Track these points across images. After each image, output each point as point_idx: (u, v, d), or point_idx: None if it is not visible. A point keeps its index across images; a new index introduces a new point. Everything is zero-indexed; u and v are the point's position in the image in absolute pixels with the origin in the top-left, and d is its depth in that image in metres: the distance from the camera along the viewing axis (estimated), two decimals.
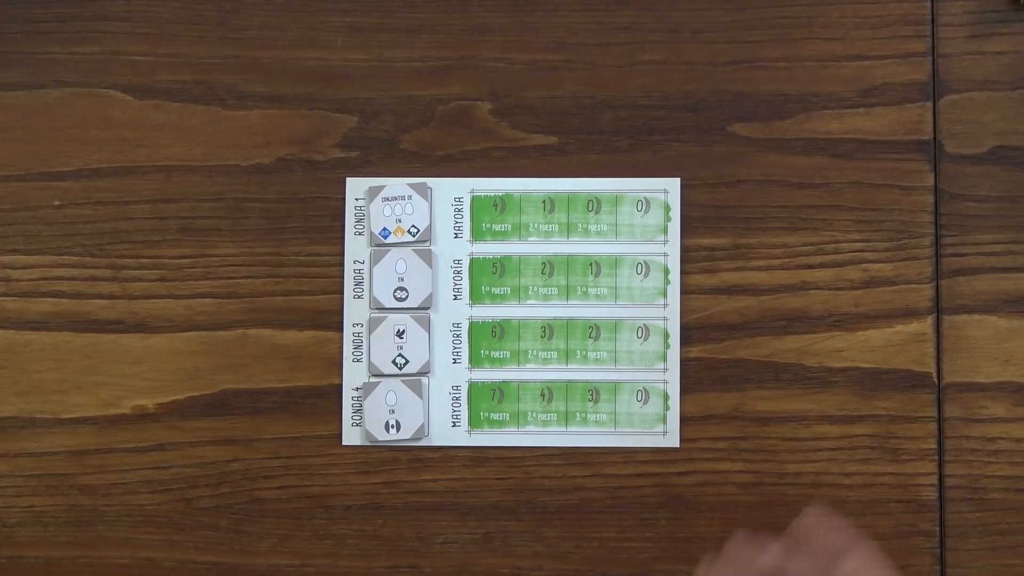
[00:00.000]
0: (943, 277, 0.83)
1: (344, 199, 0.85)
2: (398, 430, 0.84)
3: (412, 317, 0.84)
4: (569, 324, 0.84)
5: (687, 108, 0.85)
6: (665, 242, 0.84)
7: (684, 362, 0.84)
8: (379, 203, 0.84)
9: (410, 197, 0.84)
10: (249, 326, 0.85)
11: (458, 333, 0.84)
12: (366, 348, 0.84)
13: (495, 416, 0.84)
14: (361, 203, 0.85)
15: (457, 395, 0.84)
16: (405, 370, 0.84)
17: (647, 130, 0.85)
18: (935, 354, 0.83)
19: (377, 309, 0.84)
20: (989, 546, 0.82)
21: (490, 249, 0.85)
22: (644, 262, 0.84)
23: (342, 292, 0.85)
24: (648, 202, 0.84)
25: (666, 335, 0.84)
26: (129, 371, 0.85)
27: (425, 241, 0.84)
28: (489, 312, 0.84)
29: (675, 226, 0.84)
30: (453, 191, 0.85)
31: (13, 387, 0.85)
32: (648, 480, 0.83)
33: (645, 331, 0.84)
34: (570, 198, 0.85)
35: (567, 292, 0.84)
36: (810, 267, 0.83)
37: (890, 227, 0.83)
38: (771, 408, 0.83)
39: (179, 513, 0.85)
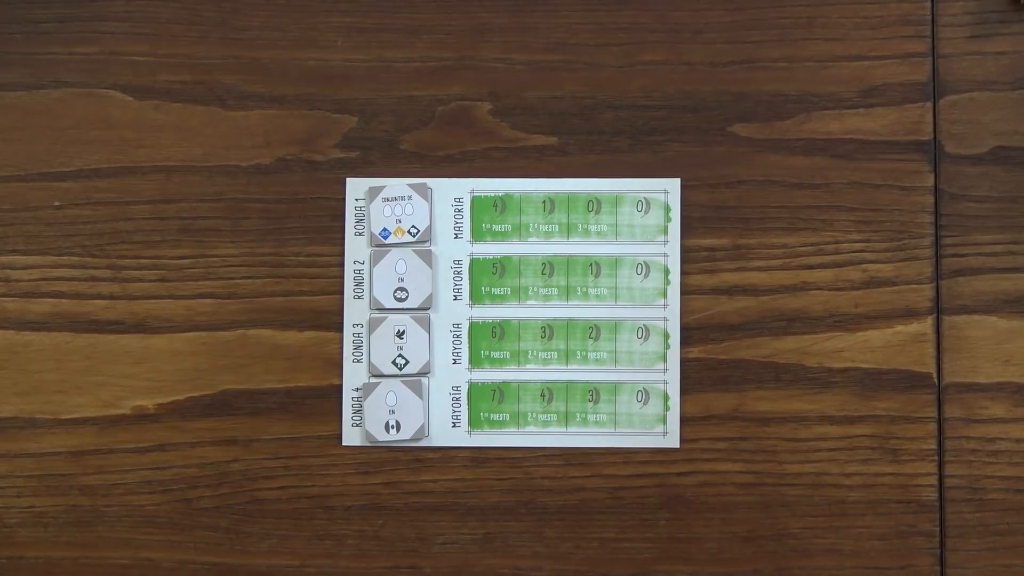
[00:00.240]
0: (943, 277, 0.83)
1: (344, 199, 0.85)
2: (398, 430, 0.84)
3: (412, 317, 0.84)
4: (569, 324, 0.84)
5: (687, 108, 0.85)
6: (665, 242, 0.84)
7: (684, 362, 0.84)
8: (379, 203, 0.84)
9: (410, 197, 0.84)
10: (249, 326, 0.85)
11: (458, 333, 0.84)
12: (366, 348, 0.84)
13: (495, 417, 0.84)
14: (361, 203, 0.85)
15: (457, 395, 0.84)
16: (405, 370, 0.84)
17: (647, 130, 0.85)
18: (935, 354, 0.83)
19: (377, 309, 0.84)
20: (989, 546, 0.82)
21: (490, 249, 0.85)
22: (644, 262, 0.84)
23: (342, 292, 0.85)
24: (648, 202, 0.84)
25: (666, 335, 0.84)
26: (129, 371, 0.85)
27: (425, 241, 0.84)
28: (489, 312, 0.84)
29: (675, 226, 0.84)
30: (453, 191, 0.85)
31: (13, 387, 0.85)
32: (648, 480, 0.83)
33: (645, 331, 0.84)
34: (570, 198, 0.85)
35: (567, 292, 0.84)
36: (810, 267, 0.83)
37: (890, 227, 0.83)
38: (771, 408, 0.83)
39: (179, 513, 0.85)
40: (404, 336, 0.84)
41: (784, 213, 0.84)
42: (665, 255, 0.84)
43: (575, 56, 0.85)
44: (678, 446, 0.83)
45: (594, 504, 0.84)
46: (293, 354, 0.85)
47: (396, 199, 0.84)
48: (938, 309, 0.83)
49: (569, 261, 0.84)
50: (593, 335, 0.84)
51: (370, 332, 0.84)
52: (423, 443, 0.84)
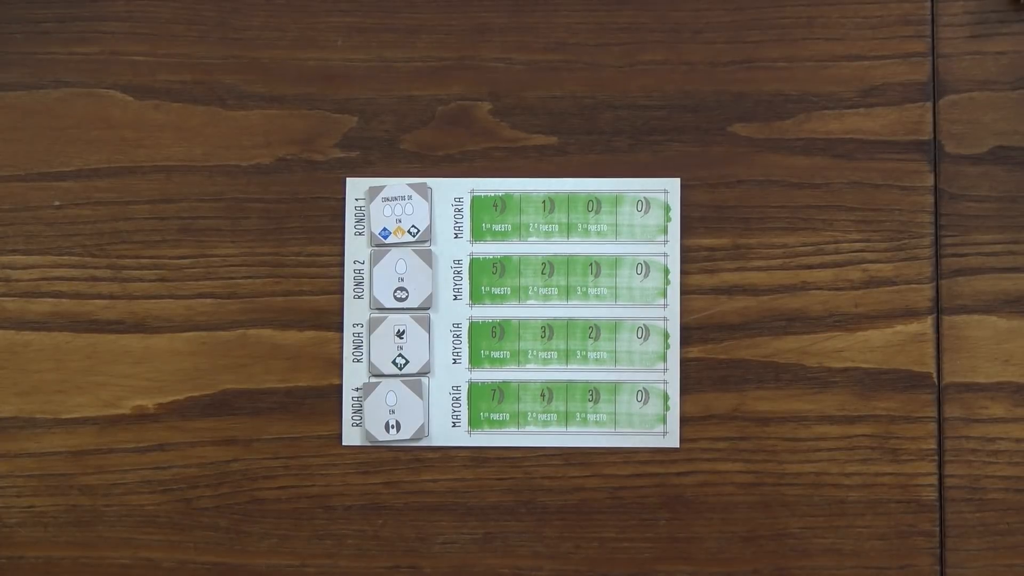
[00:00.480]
0: (943, 277, 0.83)
1: (344, 199, 0.85)
2: (398, 430, 0.84)
3: (412, 317, 0.84)
4: (569, 324, 0.84)
5: (687, 108, 0.85)
6: (665, 242, 0.84)
7: (684, 362, 0.84)
8: (379, 203, 0.85)
9: (410, 197, 0.84)
10: (249, 326, 0.85)
11: (458, 333, 0.84)
12: (366, 348, 0.84)
13: (495, 416, 0.84)
14: (361, 203, 0.85)
15: (457, 395, 0.84)
16: (405, 370, 0.84)
17: (647, 130, 0.85)
18: (935, 354, 0.83)
19: (377, 309, 0.84)
20: (989, 546, 0.82)
21: (490, 249, 0.85)
22: (644, 262, 0.84)
23: (342, 292, 0.85)
24: (648, 202, 0.84)
25: (666, 335, 0.84)
26: (129, 371, 0.85)
27: (425, 241, 0.84)
28: (489, 312, 0.84)
29: (675, 226, 0.84)
30: (453, 191, 0.85)
31: (13, 387, 0.85)
32: (648, 480, 0.83)
33: (645, 331, 0.84)
34: (570, 198, 0.85)
35: (567, 292, 0.84)
36: (810, 267, 0.83)
37: (890, 227, 0.83)
38: (771, 408, 0.83)
39: (179, 513, 0.85)
40: (404, 336, 0.84)
41: (784, 213, 0.84)
42: (665, 255, 0.84)
43: (575, 56, 0.85)
44: (678, 446, 0.83)
45: (594, 504, 0.84)
46: (293, 354, 0.85)
47: (396, 199, 0.85)
48: (938, 309, 0.83)
49: (569, 261, 0.84)
50: (593, 335, 0.84)
51: (370, 332, 0.84)
52: (423, 443, 0.84)
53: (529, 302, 0.84)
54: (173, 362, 0.85)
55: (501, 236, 0.85)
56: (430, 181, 0.85)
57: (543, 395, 0.84)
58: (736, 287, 0.84)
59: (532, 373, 0.84)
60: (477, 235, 0.85)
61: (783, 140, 0.84)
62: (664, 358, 0.83)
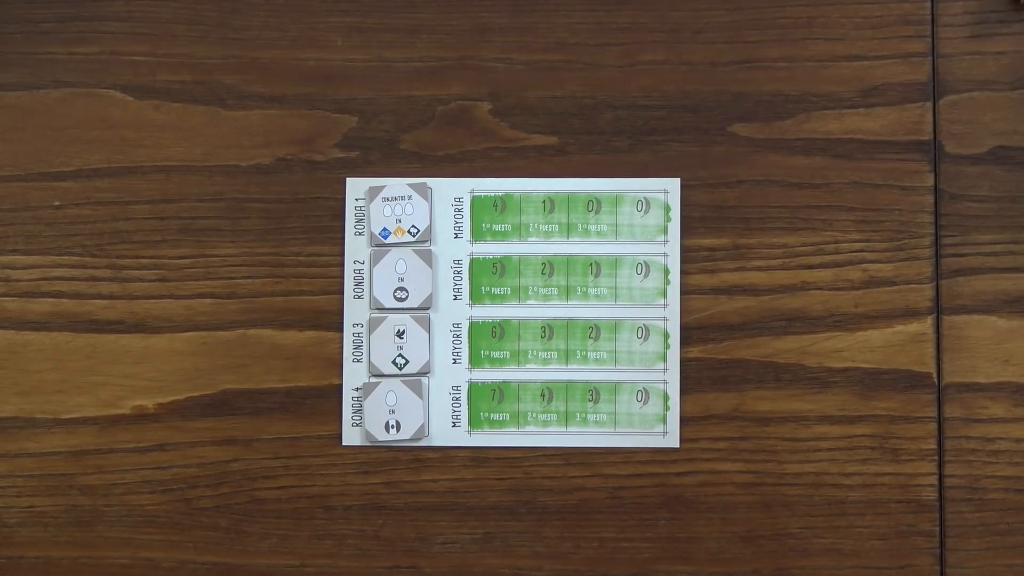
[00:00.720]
0: (943, 277, 0.83)
1: (344, 199, 0.85)
2: (398, 430, 0.84)
3: (412, 317, 0.84)
4: (569, 324, 0.84)
5: (687, 108, 0.85)
6: (665, 242, 0.84)
7: (684, 362, 0.84)
8: (379, 203, 0.85)
9: (410, 197, 0.84)
10: (249, 326, 0.85)
11: (458, 333, 0.84)
12: (366, 348, 0.84)
13: (495, 416, 0.84)
14: (361, 203, 0.85)
15: (457, 395, 0.84)
16: (405, 370, 0.84)
17: (647, 130, 0.85)
18: (935, 354, 0.83)
19: (377, 309, 0.84)
20: (989, 546, 0.82)
21: (490, 249, 0.85)
22: (644, 262, 0.84)
23: (342, 292, 0.85)
24: (648, 202, 0.84)
25: (666, 335, 0.84)
26: (129, 371, 0.85)
27: (425, 241, 0.84)
28: (489, 312, 0.84)
29: (675, 226, 0.84)
30: (453, 191, 0.85)
31: (13, 387, 0.85)
32: (648, 480, 0.83)
33: (645, 331, 0.84)
34: (570, 198, 0.85)
35: (567, 292, 0.84)
36: (810, 267, 0.83)
37: (890, 227, 0.83)
38: (771, 408, 0.83)
39: (179, 513, 0.85)
40: (404, 336, 0.84)
41: (784, 213, 0.84)
42: (665, 255, 0.84)
43: (575, 56, 0.85)
44: (678, 446, 0.83)
45: (594, 504, 0.84)
46: (293, 354, 0.85)
47: (396, 199, 0.85)
48: (938, 309, 0.83)
49: (569, 261, 0.84)
50: (593, 335, 0.84)
51: (370, 332, 0.84)
52: (423, 443, 0.84)
53: (529, 302, 0.84)
54: (173, 362, 0.85)
55: (501, 236, 0.85)
56: (430, 181, 0.85)
57: (543, 395, 0.84)
58: (736, 287, 0.84)
59: (532, 373, 0.84)
60: (477, 235, 0.85)
61: (783, 140, 0.84)
62: (664, 358, 0.83)
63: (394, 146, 0.85)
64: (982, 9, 0.84)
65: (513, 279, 0.84)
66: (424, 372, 0.84)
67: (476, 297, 0.84)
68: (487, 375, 0.84)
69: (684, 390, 0.83)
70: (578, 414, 0.84)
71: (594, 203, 0.84)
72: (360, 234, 0.85)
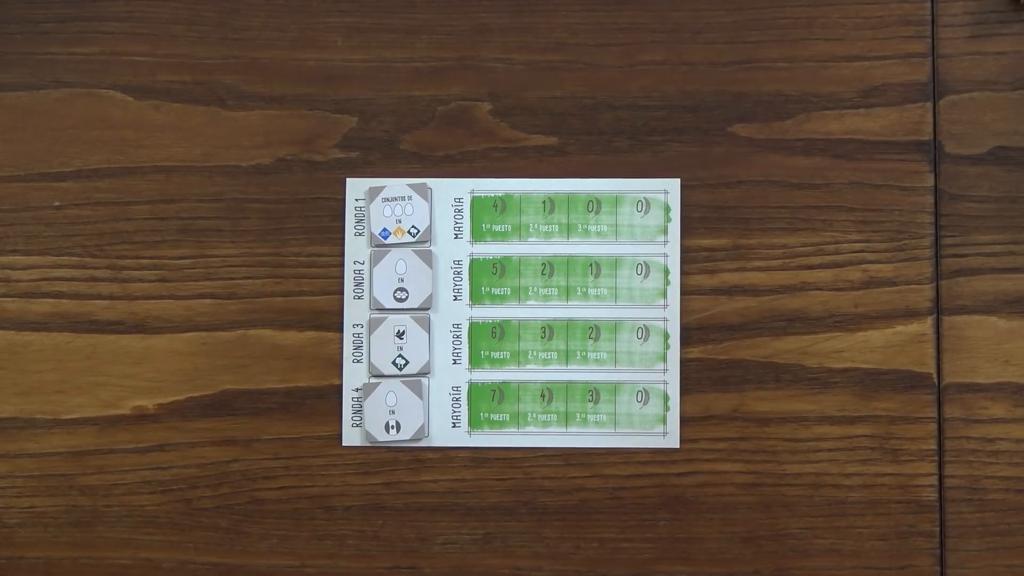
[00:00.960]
0: (943, 277, 0.83)
1: (344, 199, 0.85)
2: (398, 431, 0.84)
3: (412, 318, 0.84)
4: (569, 325, 0.84)
5: (687, 108, 0.85)
6: (665, 243, 0.84)
7: (684, 363, 0.84)
8: (379, 203, 0.84)
9: (410, 198, 0.84)
10: (249, 326, 0.85)
11: (458, 334, 0.84)
12: (366, 349, 0.84)
13: (495, 417, 0.84)
14: (361, 203, 0.85)
15: (457, 396, 0.84)
16: (405, 371, 0.84)
17: (647, 130, 0.85)
18: (935, 355, 0.83)
19: (377, 310, 0.84)
20: (989, 546, 0.82)
21: (490, 250, 0.85)
22: (644, 263, 0.84)
23: (342, 293, 0.85)
24: (648, 203, 0.84)
25: (666, 336, 0.84)
26: (129, 372, 0.85)
27: (425, 242, 0.84)
28: (489, 313, 0.84)
29: (675, 227, 0.84)
30: (453, 191, 0.85)
31: (13, 387, 0.85)
32: (648, 481, 0.83)
33: (645, 332, 0.84)
34: (570, 199, 0.84)
35: (567, 293, 0.84)
36: (810, 267, 0.83)
37: (890, 227, 0.83)
38: (771, 409, 0.83)
39: (179, 513, 0.85)
40: (404, 336, 0.84)
41: (784, 213, 0.84)
42: (665, 255, 0.84)
43: (575, 56, 0.85)
44: (678, 446, 0.83)
45: (594, 504, 0.84)
46: (293, 354, 0.85)
47: (396, 199, 0.84)
48: (938, 309, 0.83)
49: (569, 261, 0.84)
50: (593, 335, 0.84)
51: (370, 332, 0.84)
52: (423, 443, 0.84)
53: (529, 302, 0.84)
54: (173, 362, 0.85)
55: (501, 236, 0.85)
56: (430, 181, 0.85)
57: (543, 395, 0.84)
58: (736, 287, 0.84)
59: (532, 373, 0.84)
60: (477, 235, 0.85)
61: (783, 140, 0.84)
62: (664, 358, 0.84)
63: (394, 146, 0.85)
64: (982, 9, 0.84)
65: (513, 279, 0.84)
66: (424, 372, 0.84)
67: (476, 297, 0.84)
68: (487, 375, 0.84)
69: (684, 390, 0.83)
70: (578, 414, 0.84)
71: (594, 203, 0.84)
72: (360, 234, 0.85)
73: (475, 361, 0.84)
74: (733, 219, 0.84)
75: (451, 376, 0.84)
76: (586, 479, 0.84)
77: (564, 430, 0.84)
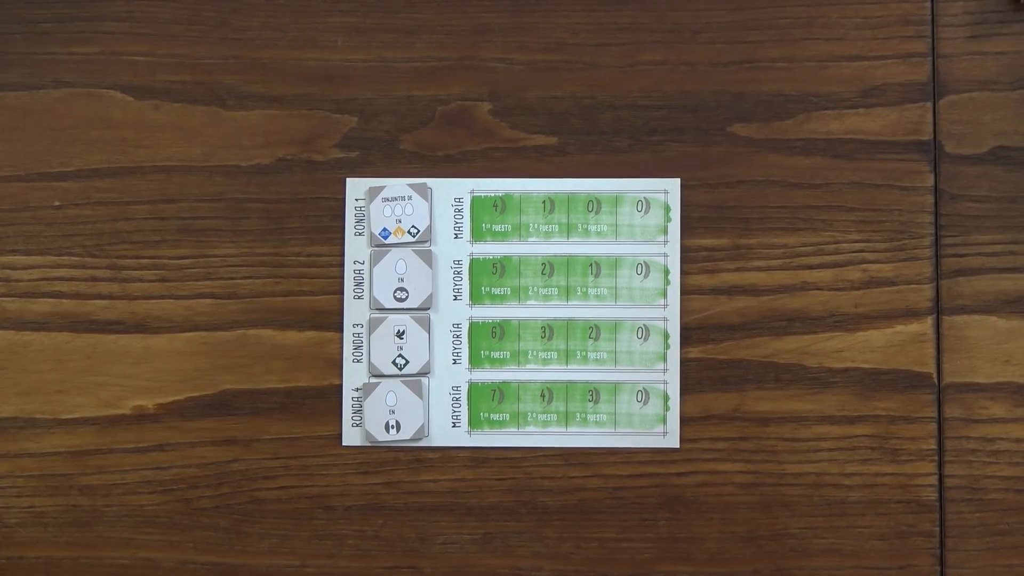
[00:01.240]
0: (943, 277, 0.83)
1: (344, 199, 0.85)
2: (398, 430, 0.84)
3: (412, 317, 0.84)
4: (569, 325, 0.84)
5: (687, 108, 0.85)
6: (665, 242, 0.84)
7: (684, 362, 0.84)
8: (379, 203, 0.84)
9: (410, 197, 0.84)
10: (249, 326, 0.85)
11: (458, 334, 0.84)
12: (366, 348, 0.84)
13: (495, 417, 0.84)
14: (361, 203, 0.85)
15: (457, 396, 0.84)
16: (405, 371, 0.84)
17: (647, 130, 0.85)
18: (935, 354, 0.83)
19: (377, 309, 0.84)
20: (989, 546, 0.82)
21: (490, 250, 0.85)
22: (644, 262, 0.84)
23: (342, 292, 0.85)
24: (648, 202, 0.84)
25: (666, 335, 0.84)
26: (129, 371, 0.85)
27: (425, 241, 0.84)
28: (489, 312, 0.84)
29: (675, 226, 0.84)
30: (453, 191, 0.85)
31: (13, 387, 0.85)
32: (648, 480, 0.83)
33: (645, 331, 0.84)
34: (570, 198, 0.85)
35: (567, 293, 0.84)
36: (810, 267, 0.83)
37: (890, 227, 0.83)
38: (771, 408, 0.83)
39: (179, 513, 0.85)
40: (404, 336, 0.84)
41: (784, 213, 0.84)
42: (665, 255, 0.84)
43: (575, 56, 0.85)
44: (678, 446, 0.83)
45: (594, 504, 0.84)
46: (293, 354, 0.85)
47: (396, 199, 0.84)
48: (938, 309, 0.83)
49: (569, 261, 0.84)
50: (593, 335, 0.84)
51: (370, 332, 0.84)
52: (423, 443, 0.84)
53: (529, 302, 0.84)
54: (173, 362, 0.85)
55: (501, 236, 0.85)
56: (430, 181, 0.85)
57: (543, 395, 0.84)
58: (736, 287, 0.84)
59: (532, 373, 0.84)
60: (477, 235, 0.85)
61: (783, 140, 0.84)
62: (664, 358, 0.83)
63: (394, 146, 0.85)
64: (982, 9, 0.84)
65: (513, 279, 0.84)
66: (424, 372, 0.84)
67: (476, 297, 0.84)
68: (487, 375, 0.84)
69: (684, 390, 0.83)
70: (578, 414, 0.84)
71: (594, 203, 0.84)
72: (360, 234, 0.85)
73: (475, 361, 0.84)
74: (733, 219, 0.84)
75: (451, 376, 0.84)
76: (586, 479, 0.84)
77: (564, 430, 0.84)
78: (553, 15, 0.85)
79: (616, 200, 0.84)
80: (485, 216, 0.85)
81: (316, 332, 0.85)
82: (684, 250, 0.84)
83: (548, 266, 0.84)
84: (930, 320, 0.83)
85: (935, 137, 0.84)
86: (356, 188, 0.85)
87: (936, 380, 0.83)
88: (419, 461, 0.84)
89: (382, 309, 0.84)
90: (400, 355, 0.84)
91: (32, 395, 0.85)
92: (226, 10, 0.86)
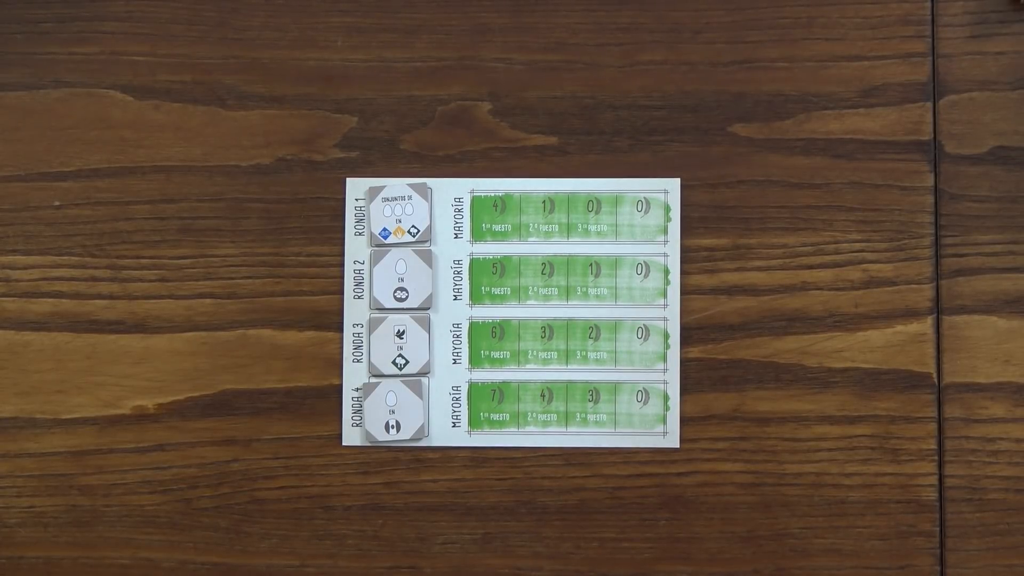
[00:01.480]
0: (943, 277, 0.83)
1: (344, 199, 0.85)
2: (398, 430, 0.84)
3: (412, 317, 0.84)
4: (569, 324, 0.84)
5: (687, 108, 0.85)
6: (665, 242, 0.84)
7: (684, 362, 0.84)
8: (379, 203, 0.85)
9: (410, 197, 0.84)
10: (249, 326, 0.85)
11: (458, 333, 0.84)
12: (366, 348, 0.84)
13: (495, 416, 0.84)
14: (361, 203, 0.85)
15: (457, 395, 0.84)
16: (405, 370, 0.84)
17: (647, 130, 0.85)
18: (935, 354, 0.83)
19: (377, 309, 0.84)
20: (989, 546, 0.82)
21: (490, 249, 0.85)
22: (644, 262, 0.84)
23: (342, 292, 0.85)
24: (648, 202, 0.84)
25: (666, 335, 0.84)
26: (129, 371, 0.85)
27: (425, 241, 0.84)
28: (489, 312, 0.84)
29: (675, 226, 0.84)
30: (453, 191, 0.85)
31: (13, 387, 0.85)
32: (648, 480, 0.83)
33: (645, 331, 0.84)
34: (570, 198, 0.85)
35: (567, 292, 0.84)
36: (810, 267, 0.83)
37: (890, 227, 0.83)
38: (771, 408, 0.83)
39: (179, 513, 0.85)
40: (404, 336, 0.84)
41: (784, 213, 0.84)
42: (665, 255, 0.84)
43: (575, 56, 0.85)
44: (678, 446, 0.83)
45: (594, 504, 0.84)
46: (293, 354, 0.85)
47: (396, 199, 0.85)
48: (938, 309, 0.83)
49: (569, 261, 0.84)
50: (593, 335, 0.84)
51: (370, 332, 0.84)
52: (423, 443, 0.84)
53: (529, 302, 0.84)
54: (173, 362, 0.85)
55: (501, 236, 0.85)
56: (430, 181, 0.85)
57: (543, 395, 0.84)
58: (736, 287, 0.84)
59: (532, 373, 0.84)
60: (477, 235, 0.85)
61: (783, 140, 0.84)
62: (664, 358, 0.83)
63: (394, 146, 0.85)
64: (982, 9, 0.84)
65: (513, 279, 0.84)
66: (424, 372, 0.84)
67: (476, 297, 0.84)
68: (487, 375, 0.84)
69: (684, 390, 0.83)
70: (578, 414, 0.84)
71: (594, 203, 0.84)
72: (360, 234, 0.85)
73: (475, 361, 0.84)
74: (733, 219, 0.84)
75: (451, 376, 0.84)
76: (586, 479, 0.84)
77: (564, 430, 0.84)
78: (553, 15, 0.85)
79: (616, 200, 0.84)
80: (485, 216, 0.85)
81: (316, 332, 0.85)
82: (684, 250, 0.84)
83: (548, 266, 0.84)
84: (930, 320, 0.83)
85: (935, 137, 0.84)
86: (356, 188, 0.85)
87: (936, 380, 0.83)
88: (419, 461, 0.84)
89: (382, 309, 0.84)
90: (400, 355, 0.84)
91: (32, 395, 0.85)
92: (226, 10, 0.86)
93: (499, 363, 0.84)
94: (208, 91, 0.86)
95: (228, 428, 0.85)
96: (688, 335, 0.84)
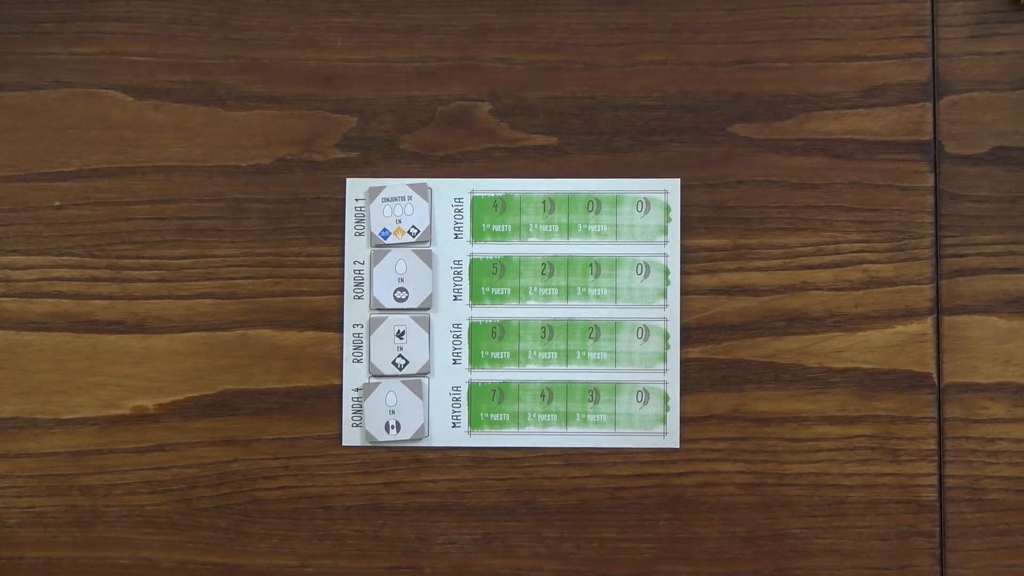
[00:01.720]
0: (943, 277, 0.83)
1: (344, 199, 0.85)
2: (398, 431, 0.84)
3: (412, 318, 0.84)
4: (569, 325, 0.84)
5: (687, 108, 0.85)
6: (665, 243, 0.84)
7: (684, 362, 0.84)
8: (379, 203, 0.85)
9: (410, 198, 0.84)
10: (249, 326, 0.85)
11: (458, 334, 0.84)
12: (366, 349, 0.84)
13: (495, 417, 0.84)
14: (361, 203, 0.85)
15: (457, 396, 0.84)
16: (405, 371, 0.84)
17: (647, 130, 0.85)
18: (935, 354, 0.83)
19: (377, 310, 0.84)
20: (989, 546, 0.82)
21: (490, 250, 0.85)
22: (644, 263, 0.84)
23: (342, 293, 0.85)
24: (648, 203, 0.84)
25: (666, 336, 0.84)
26: (129, 372, 0.85)
27: (425, 242, 0.84)
28: (489, 313, 0.84)
29: (675, 227, 0.84)
30: (453, 191, 0.85)
31: (13, 387, 0.85)
32: (648, 481, 0.83)
33: (645, 332, 0.84)
34: (570, 199, 0.85)
35: (567, 293, 0.84)
36: (810, 267, 0.83)
37: (890, 227, 0.83)
38: (771, 409, 0.83)
39: (179, 513, 0.85)
40: (404, 336, 0.84)
41: (784, 213, 0.84)
42: (665, 255, 0.84)
43: (575, 56, 0.85)
44: (678, 446, 0.83)
45: (594, 504, 0.84)
46: (293, 354, 0.85)
47: (396, 199, 0.84)
48: (938, 309, 0.83)
49: (569, 261, 0.84)
50: (593, 335, 0.84)
51: (370, 332, 0.84)
52: (423, 443, 0.84)
53: (529, 302, 0.84)
54: (173, 362, 0.85)
55: (501, 236, 0.85)
56: (430, 181, 0.85)
57: (543, 395, 0.84)
58: (736, 287, 0.84)
59: (532, 373, 0.84)
60: (477, 235, 0.85)
61: (783, 140, 0.84)
62: (664, 358, 0.84)
63: (394, 146, 0.85)
64: (982, 9, 0.84)
65: (513, 279, 0.84)
66: (424, 372, 0.84)
67: (476, 297, 0.84)
68: (487, 375, 0.84)
69: (684, 390, 0.83)
70: (578, 414, 0.84)
71: (594, 203, 0.84)
72: (360, 234, 0.85)
73: (475, 361, 0.84)
74: (733, 219, 0.84)
75: (451, 376, 0.84)
76: (586, 479, 0.84)
77: (564, 430, 0.84)
78: (553, 15, 0.85)
79: (616, 200, 0.84)
80: (485, 216, 0.85)
81: (316, 332, 0.85)
82: (684, 250, 0.84)
83: (548, 266, 0.84)
84: (930, 320, 0.83)
85: (935, 137, 0.84)
86: (356, 188, 0.85)
87: (936, 380, 0.83)
88: (419, 461, 0.84)
89: (382, 309, 0.84)
90: (400, 355, 0.84)
91: (32, 395, 0.85)
92: (226, 10, 0.86)
93: (499, 363, 0.84)
94: (208, 91, 0.86)
95: (228, 428, 0.85)
96: (688, 335, 0.84)
